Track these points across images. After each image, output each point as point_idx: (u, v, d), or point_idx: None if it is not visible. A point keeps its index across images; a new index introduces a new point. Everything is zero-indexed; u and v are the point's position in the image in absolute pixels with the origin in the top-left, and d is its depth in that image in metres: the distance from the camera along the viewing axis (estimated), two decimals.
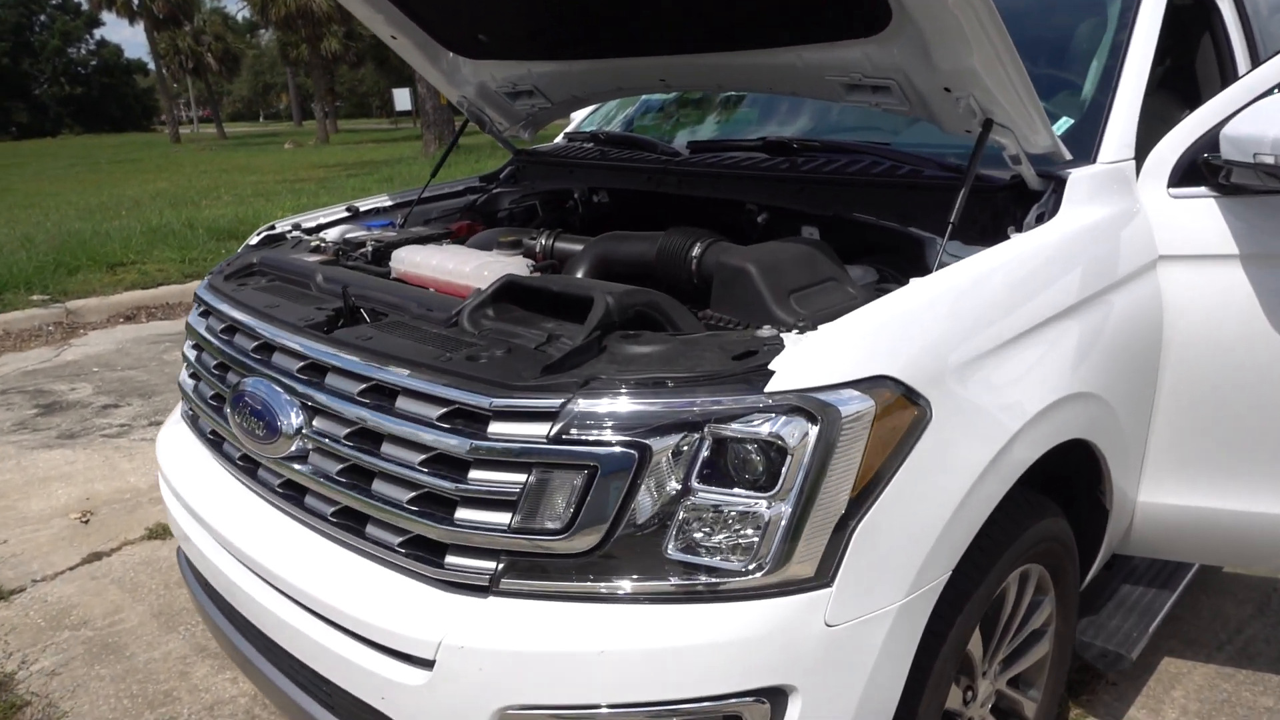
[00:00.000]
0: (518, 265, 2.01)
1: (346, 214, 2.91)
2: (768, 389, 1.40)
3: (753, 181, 2.33)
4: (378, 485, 1.60)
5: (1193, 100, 2.84)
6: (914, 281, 1.64)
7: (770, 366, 1.42)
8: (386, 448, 1.59)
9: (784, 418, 1.39)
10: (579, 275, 2.08)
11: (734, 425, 1.40)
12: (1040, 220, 2.01)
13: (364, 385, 1.65)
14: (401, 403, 1.59)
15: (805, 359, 1.43)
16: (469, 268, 1.98)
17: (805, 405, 1.39)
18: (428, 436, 1.52)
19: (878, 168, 2.20)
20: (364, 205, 2.94)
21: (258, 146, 33.35)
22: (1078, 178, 2.03)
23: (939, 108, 1.96)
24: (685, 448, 1.41)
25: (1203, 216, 2.16)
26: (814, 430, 1.39)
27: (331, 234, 2.77)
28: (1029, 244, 1.84)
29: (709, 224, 2.27)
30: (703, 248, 1.94)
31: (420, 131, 23.39)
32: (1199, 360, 2.18)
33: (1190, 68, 2.94)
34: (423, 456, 1.53)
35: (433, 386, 1.54)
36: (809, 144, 2.43)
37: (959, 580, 1.61)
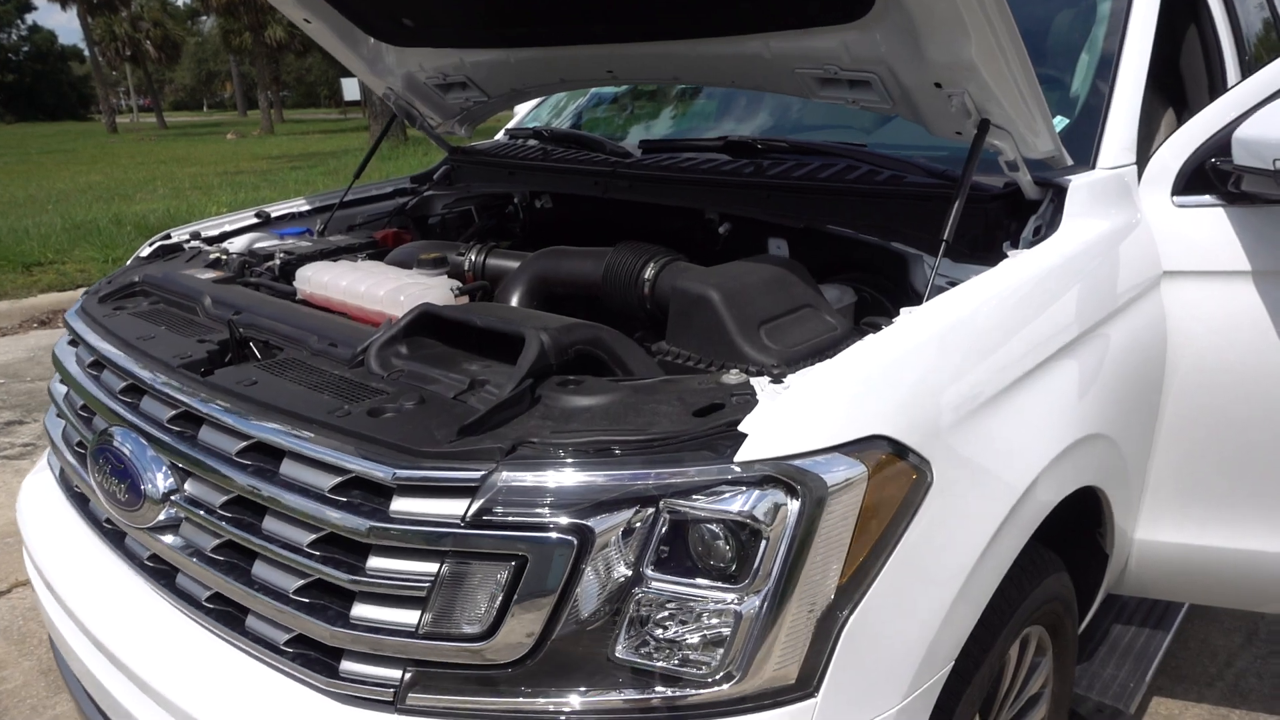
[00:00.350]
0: (441, 288, 1.71)
1: (256, 220, 2.58)
2: (738, 457, 1.13)
3: (713, 187, 2.06)
4: (259, 569, 1.31)
5: (1177, 98, 2.64)
6: (906, 315, 1.39)
7: (741, 427, 1.15)
8: (270, 523, 1.30)
9: (757, 491, 1.12)
10: (514, 299, 1.79)
11: (696, 501, 1.13)
12: (1038, 234, 1.77)
13: (243, 443, 1.35)
14: (287, 468, 1.29)
15: (782, 417, 1.17)
16: (383, 291, 1.69)
17: (783, 475, 1.13)
18: (318, 512, 1.23)
19: (854, 173, 1.95)
20: (275, 210, 2.61)
21: (199, 137, 32.31)
22: (1078, 186, 1.80)
23: (927, 106, 1.70)
24: (637, 526, 1.13)
25: (1210, 228, 1.95)
26: (794, 506, 1.13)
27: (237, 244, 2.45)
28: (1032, 266, 1.60)
29: (664, 235, 2.00)
30: (656, 268, 1.66)
31: (368, 122, 22.77)
32: (1205, 387, 1.97)
33: (1174, 62, 2.73)
34: (312, 536, 1.24)
35: (324, 450, 1.24)
36: (775, 144, 2.16)
37: (962, 665, 1.36)
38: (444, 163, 2.92)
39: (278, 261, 2.21)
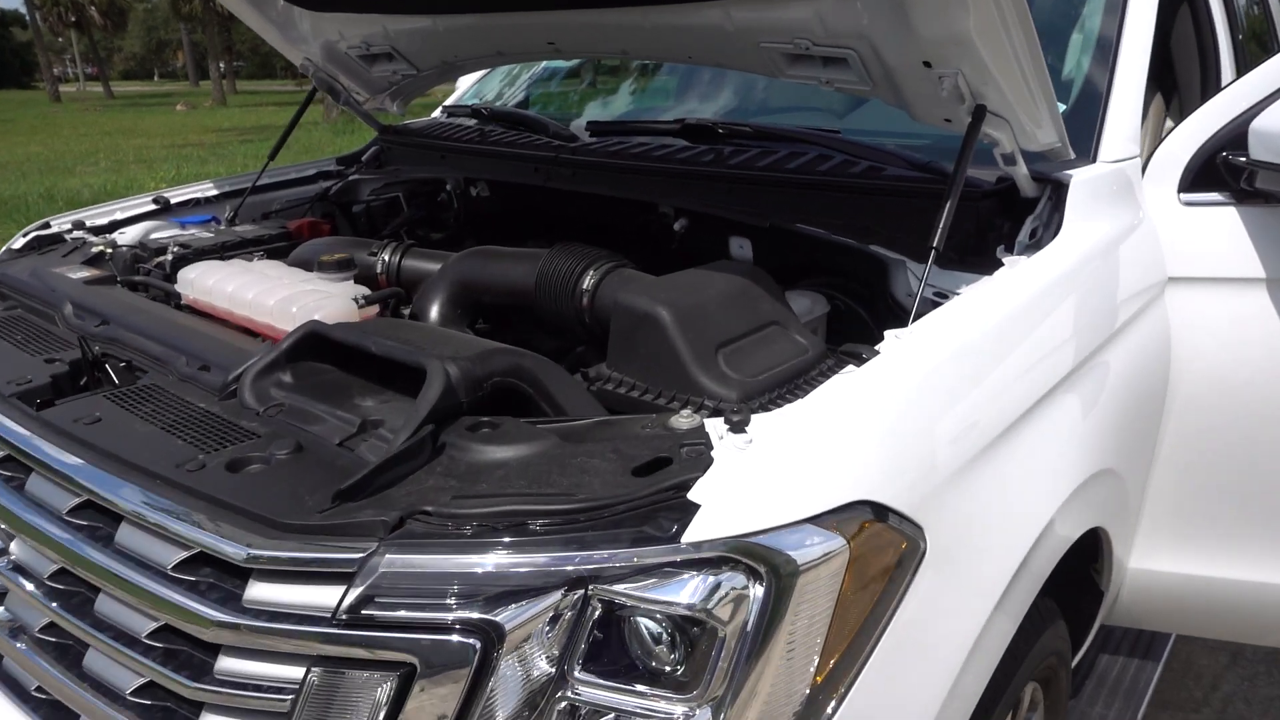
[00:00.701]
0: (343, 296, 1.45)
1: (154, 206, 2.28)
2: (687, 536, 0.89)
3: (667, 177, 1.81)
4: (91, 661, 1.05)
5: (1166, 85, 2.43)
6: (891, 341, 1.15)
7: (692, 494, 0.91)
8: (104, 604, 1.04)
9: (710, 577, 0.89)
10: (433, 310, 1.53)
11: (635, 587, 0.89)
12: (1034, 237, 1.55)
13: (75, 500, 1.08)
14: (125, 535, 1.03)
15: (743, 483, 0.93)
16: (272, 300, 1.42)
17: (742, 556, 0.89)
18: (160, 594, 0.97)
19: (826, 164, 1.71)
20: (176, 195, 2.31)
21: (148, 108, 31.15)
22: (1081, 182, 1.58)
23: (913, 88, 1.47)
24: (563, 616, 0.90)
25: (1220, 229, 1.74)
26: (756, 592, 0.90)
27: (130, 234, 2.15)
28: (1033, 279, 1.38)
29: (614, 230, 1.76)
30: (596, 277, 1.41)
31: (324, 95, 22.04)
32: (1211, 407, 1.77)
33: (1164, 47, 2.53)
34: (151, 626, 0.98)
35: (166, 515, 0.98)
36: (739, 129, 1.91)
37: None
38: (374, 143, 2.64)
39: (169, 257, 1.92)
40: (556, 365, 1.20)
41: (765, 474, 0.94)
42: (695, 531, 0.89)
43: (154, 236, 2.17)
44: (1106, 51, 1.87)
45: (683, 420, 1.05)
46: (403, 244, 1.70)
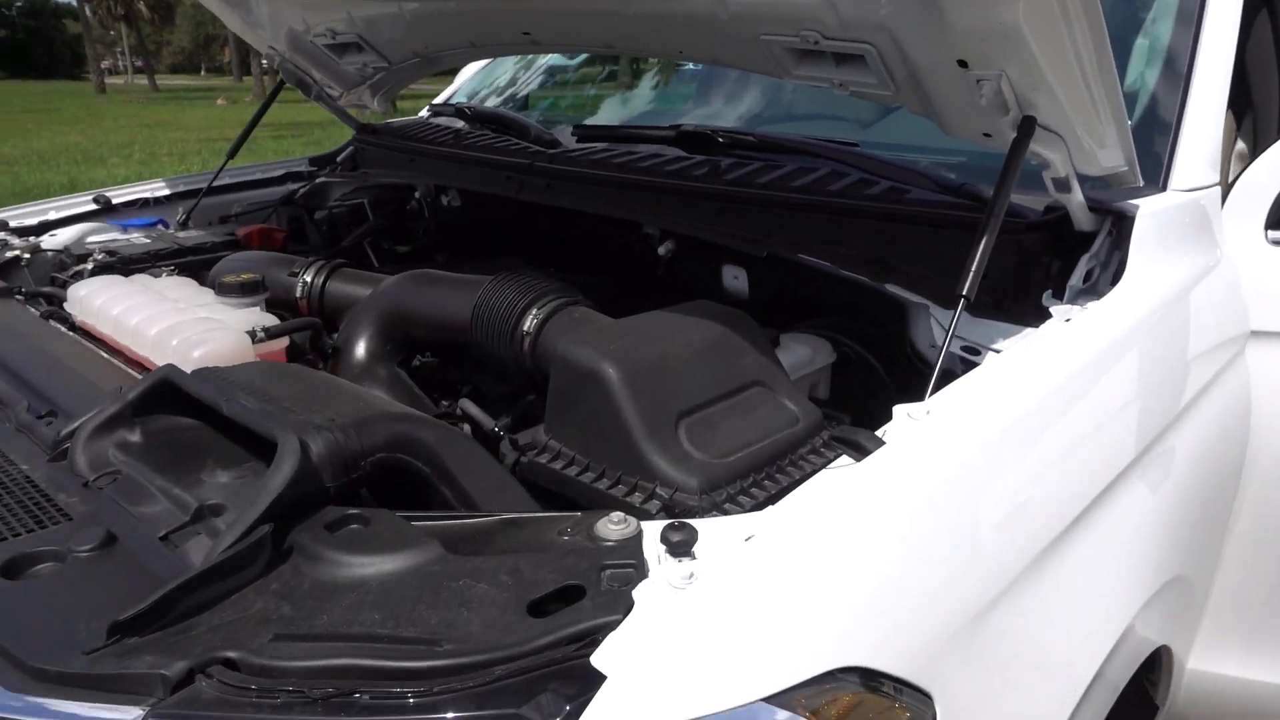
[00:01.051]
0: (239, 327, 1.20)
1: (95, 207, 2.06)
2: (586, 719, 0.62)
3: (652, 193, 1.55)
4: None
5: (1238, 102, 2.12)
6: (902, 426, 0.88)
7: (597, 660, 0.64)
8: None
9: None
10: (358, 347, 1.27)
11: None
12: (1089, 280, 1.27)
13: None
14: None
15: (675, 640, 0.66)
16: (155, 330, 1.17)
17: None
18: None
19: (838, 182, 1.44)
20: (120, 194, 2.09)
21: (189, 101, 31.48)
22: (1148, 214, 1.29)
23: (944, 94, 1.19)
24: None
25: None
26: None
27: (62, 237, 1.93)
28: (1091, 337, 1.09)
29: (591, 252, 1.50)
30: (540, 316, 1.15)
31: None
32: None
33: (1239, 58, 2.22)
34: None
35: None
36: (741, 138, 1.64)
37: None
38: (350, 143, 2.40)
39: (90, 266, 1.70)
40: (466, 437, 0.93)
41: (708, 628, 0.66)
42: (598, 714, 0.62)
43: (90, 240, 1.95)
44: (1179, 59, 1.58)
45: (613, 527, 0.78)
46: (329, 263, 1.44)
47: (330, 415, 0.87)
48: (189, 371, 1.00)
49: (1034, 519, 0.89)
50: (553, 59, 2.76)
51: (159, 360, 1.15)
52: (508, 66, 2.75)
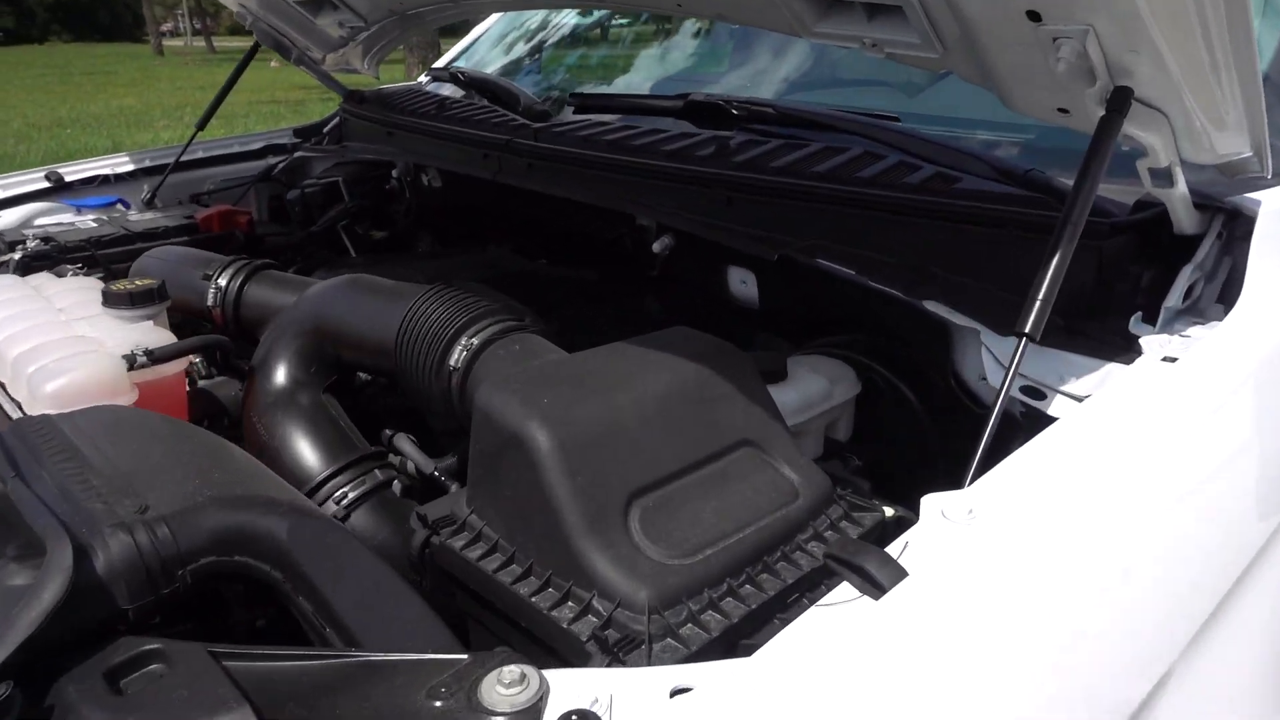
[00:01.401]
0: (115, 350, 0.97)
1: (48, 184, 1.87)
2: None
3: (646, 178, 1.28)
4: None
5: None
6: (935, 531, 0.62)
7: None
8: None
9: None
10: (278, 370, 1.04)
11: None
12: (1191, 299, 0.98)
13: None
14: None
15: None
16: (16, 352, 0.96)
17: None
18: None
19: (872, 166, 1.16)
20: (74, 171, 1.89)
21: None
22: (1273, 212, 0.99)
23: (1007, 57, 0.90)
24: None
25: None
26: None
27: (6, 219, 1.75)
28: (1208, 392, 0.81)
29: (580, 245, 1.25)
30: (471, 348, 0.90)
31: (405, 55, 21.91)
32: None
33: None
34: None
35: None
36: (759, 110, 1.37)
37: None
38: (337, 113, 2.17)
39: (17, 256, 1.50)
40: (334, 527, 0.70)
41: None
42: None
43: (38, 223, 1.76)
44: None
45: (503, 692, 0.54)
46: (249, 264, 1.21)
47: (145, 502, 0.64)
48: (31, 414, 0.79)
49: (1126, 668, 0.63)
50: (578, 18, 2.48)
51: (15, 391, 0.94)
52: (531, 21, 2.47)
